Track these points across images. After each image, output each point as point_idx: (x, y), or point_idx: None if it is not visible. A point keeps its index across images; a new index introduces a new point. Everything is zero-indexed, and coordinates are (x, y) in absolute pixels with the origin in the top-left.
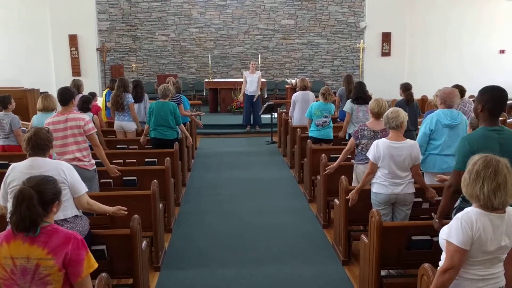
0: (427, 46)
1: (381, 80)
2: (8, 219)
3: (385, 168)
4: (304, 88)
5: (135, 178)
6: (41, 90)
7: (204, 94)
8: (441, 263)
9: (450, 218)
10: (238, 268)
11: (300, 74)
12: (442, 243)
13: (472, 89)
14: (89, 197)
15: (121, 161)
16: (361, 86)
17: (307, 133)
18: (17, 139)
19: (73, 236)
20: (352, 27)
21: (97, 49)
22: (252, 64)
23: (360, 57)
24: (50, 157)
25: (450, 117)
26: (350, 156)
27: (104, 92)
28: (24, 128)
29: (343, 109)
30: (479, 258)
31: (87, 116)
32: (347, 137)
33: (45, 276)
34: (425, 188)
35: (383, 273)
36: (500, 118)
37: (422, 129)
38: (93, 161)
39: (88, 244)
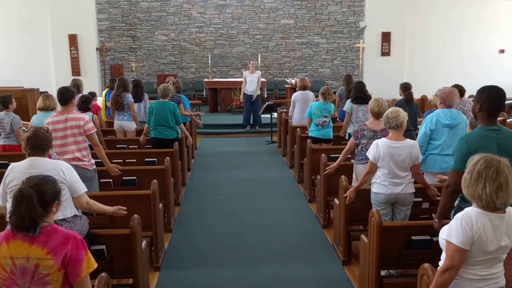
0: (427, 46)
1: (381, 80)
2: (7, 219)
3: (385, 168)
4: (304, 88)
5: (135, 178)
6: (41, 90)
7: (204, 94)
8: (441, 263)
9: (449, 218)
10: (238, 268)
11: (299, 73)
12: (442, 243)
13: (472, 89)
14: (89, 197)
15: (121, 160)
16: (361, 86)
17: (307, 133)
18: (18, 139)
19: (72, 236)
20: (352, 26)
21: (97, 49)
22: (252, 64)
23: (360, 56)
24: (50, 157)
25: (449, 117)
26: (350, 156)
27: (104, 92)
28: (25, 128)
29: (343, 109)
30: (479, 258)
31: (87, 116)
32: (346, 137)
33: (44, 276)
34: (427, 186)
35: (383, 273)
36: (500, 118)
37: (423, 129)
38: (93, 161)
39: (88, 244)
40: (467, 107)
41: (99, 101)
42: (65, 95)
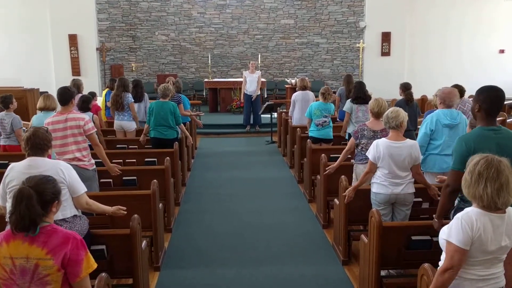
0: (427, 46)
1: (381, 80)
2: (7, 219)
3: (385, 168)
4: (304, 88)
5: (135, 178)
6: (41, 90)
7: (204, 94)
8: (441, 263)
9: (449, 219)
10: (238, 268)
11: (299, 73)
12: (442, 243)
13: (472, 89)
14: (89, 197)
15: (121, 160)
16: (361, 86)
17: (307, 133)
18: (18, 139)
19: (72, 236)
20: (351, 26)
21: (97, 49)
22: (252, 63)
23: (360, 56)
24: (49, 157)
25: (449, 117)
26: (349, 156)
27: (104, 92)
28: (25, 128)
29: (343, 109)
30: (479, 258)
31: (87, 116)
32: (346, 137)
33: (44, 276)
34: (427, 186)
35: (383, 273)
36: (500, 118)
37: (423, 130)
38: (93, 161)
39: (88, 244)
40: (467, 107)
41: (99, 101)
42: (65, 95)
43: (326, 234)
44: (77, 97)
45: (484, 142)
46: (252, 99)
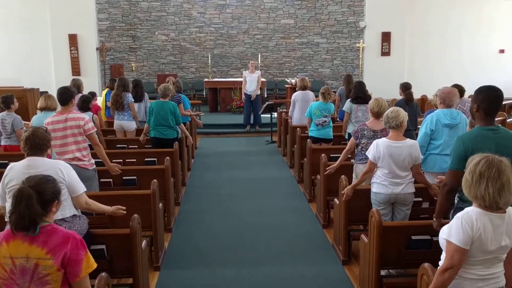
0: (427, 46)
1: (381, 80)
2: (6, 219)
3: (385, 167)
4: (304, 87)
5: (135, 177)
6: (41, 90)
7: (204, 94)
8: (441, 263)
9: (448, 218)
10: (238, 268)
11: (299, 73)
12: (442, 243)
13: (472, 89)
14: (89, 197)
15: (121, 160)
16: (361, 85)
17: (307, 133)
18: (19, 139)
19: (72, 236)
20: (351, 26)
21: (97, 49)
22: (252, 63)
23: (360, 56)
24: (50, 156)
25: (449, 117)
26: (349, 155)
27: (104, 92)
28: (25, 128)
29: (342, 108)
30: (479, 258)
31: (87, 116)
32: (346, 137)
33: (44, 276)
34: (428, 186)
35: (383, 272)
36: (500, 118)
37: (423, 130)
38: (93, 161)
39: (87, 243)
40: (467, 107)
41: (99, 101)
42: (65, 95)
43: (326, 234)
44: (77, 97)
45: (483, 142)
46: (252, 99)
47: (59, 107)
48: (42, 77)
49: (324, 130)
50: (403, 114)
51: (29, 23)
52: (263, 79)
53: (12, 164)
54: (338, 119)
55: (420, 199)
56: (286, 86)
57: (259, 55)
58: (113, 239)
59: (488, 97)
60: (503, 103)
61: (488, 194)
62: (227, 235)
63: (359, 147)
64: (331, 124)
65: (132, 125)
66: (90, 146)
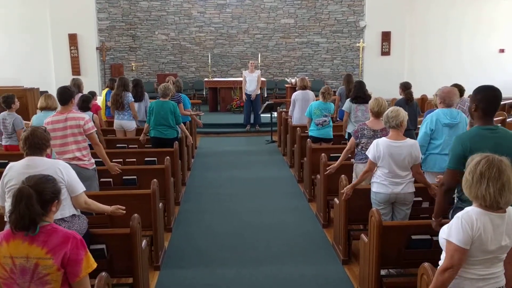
0: (427, 46)
1: (381, 79)
2: (6, 219)
3: (385, 167)
4: (304, 87)
5: (135, 177)
6: (41, 89)
7: (204, 93)
8: (441, 263)
9: (447, 218)
10: (238, 268)
11: (299, 73)
12: (442, 243)
13: (472, 88)
14: (89, 197)
15: (121, 160)
16: (361, 85)
17: (307, 132)
18: (19, 139)
19: (72, 236)
20: (352, 26)
21: (97, 48)
22: (251, 63)
23: (360, 56)
24: (49, 156)
25: (449, 116)
26: (350, 155)
27: (104, 92)
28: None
29: (342, 108)
30: (479, 258)
31: (87, 115)
32: (346, 136)
33: (44, 276)
34: (428, 185)
35: (383, 272)
36: (499, 118)
37: (423, 129)
38: (93, 160)
39: (87, 243)
40: (467, 107)
41: (99, 100)
42: (65, 95)
43: (326, 233)
44: (77, 96)
45: (481, 142)
46: (252, 99)
47: (59, 107)
48: (42, 77)
49: (324, 130)
50: (403, 114)
51: (29, 23)
52: (263, 79)
53: (11, 164)
54: (338, 119)
55: (420, 198)
56: (286, 85)
57: (259, 55)
58: (113, 238)
59: (486, 97)
60: (503, 102)
61: (489, 194)
62: (227, 235)
63: (359, 147)
64: (331, 123)
65: (132, 125)
66: (90, 145)
